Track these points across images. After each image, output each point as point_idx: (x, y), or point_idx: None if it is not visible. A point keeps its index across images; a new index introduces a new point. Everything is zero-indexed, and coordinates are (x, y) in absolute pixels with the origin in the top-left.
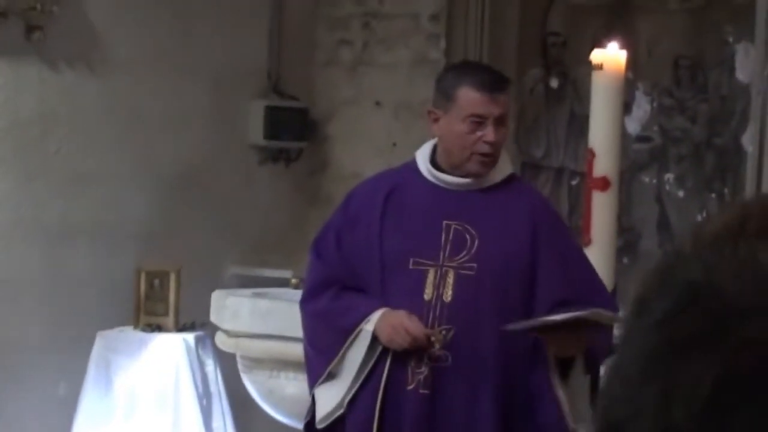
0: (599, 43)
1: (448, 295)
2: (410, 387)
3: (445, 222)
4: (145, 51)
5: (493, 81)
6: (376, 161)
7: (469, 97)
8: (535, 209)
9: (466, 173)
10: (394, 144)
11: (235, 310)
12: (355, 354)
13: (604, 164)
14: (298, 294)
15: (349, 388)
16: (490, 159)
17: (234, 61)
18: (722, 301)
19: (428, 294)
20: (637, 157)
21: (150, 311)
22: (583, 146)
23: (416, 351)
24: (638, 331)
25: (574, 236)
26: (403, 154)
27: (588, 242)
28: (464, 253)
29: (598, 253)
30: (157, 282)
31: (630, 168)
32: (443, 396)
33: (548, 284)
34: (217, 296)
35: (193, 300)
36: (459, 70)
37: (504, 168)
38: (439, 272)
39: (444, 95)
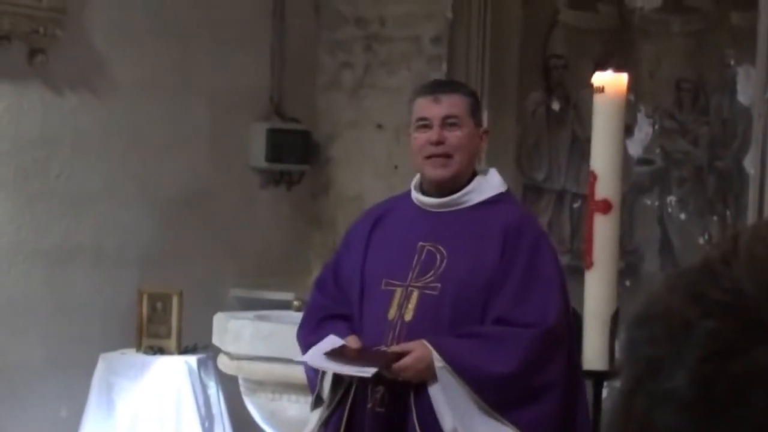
0: (600, 66)
1: (409, 314)
2: (369, 405)
3: (420, 243)
4: (147, 74)
5: (436, 84)
6: (377, 184)
7: (417, 104)
8: (509, 228)
9: (430, 183)
10: (396, 167)
11: (237, 332)
12: (326, 384)
13: (606, 187)
14: (299, 317)
15: (321, 414)
16: (442, 161)
17: (236, 83)
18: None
19: (392, 314)
20: (639, 180)
21: (152, 334)
22: (584, 169)
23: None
24: (684, 359)
25: (547, 258)
26: (405, 177)
27: (590, 265)
28: (431, 273)
29: (600, 276)
30: (159, 304)
31: (632, 190)
32: (398, 415)
33: (495, 302)
34: (219, 319)
35: (195, 322)
36: (418, 86)
37: (487, 188)
38: (404, 292)
39: (410, 113)
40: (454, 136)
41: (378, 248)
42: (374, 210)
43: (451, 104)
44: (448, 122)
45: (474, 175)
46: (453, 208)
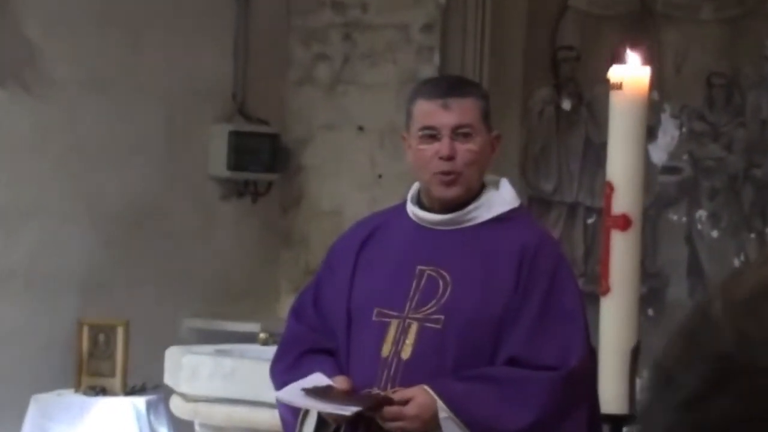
0: (618, 58)
1: (407, 351)
2: None
3: (419, 267)
4: (87, 68)
5: (445, 86)
6: (358, 196)
7: (421, 109)
8: (525, 251)
9: (434, 200)
10: (380, 176)
11: (193, 369)
12: (307, 429)
13: (625, 200)
14: (266, 351)
15: None
16: (452, 178)
17: (193, 79)
18: (759, 381)
19: (386, 350)
20: (664, 192)
21: (94, 371)
22: (600, 179)
23: (365, 418)
24: (663, 408)
25: (568, 287)
26: (390, 188)
27: (606, 290)
28: (433, 303)
29: (618, 304)
30: (102, 337)
31: (655, 204)
32: None
33: (509, 338)
34: (172, 354)
35: (144, 358)
36: (419, 83)
37: (498, 203)
38: (401, 325)
39: (407, 114)
40: (466, 150)
41: (368, 271)
42: (364, 224)
43: (462, 112)
44: (459, 132)
45: (483, 186)
46: (457, 226)
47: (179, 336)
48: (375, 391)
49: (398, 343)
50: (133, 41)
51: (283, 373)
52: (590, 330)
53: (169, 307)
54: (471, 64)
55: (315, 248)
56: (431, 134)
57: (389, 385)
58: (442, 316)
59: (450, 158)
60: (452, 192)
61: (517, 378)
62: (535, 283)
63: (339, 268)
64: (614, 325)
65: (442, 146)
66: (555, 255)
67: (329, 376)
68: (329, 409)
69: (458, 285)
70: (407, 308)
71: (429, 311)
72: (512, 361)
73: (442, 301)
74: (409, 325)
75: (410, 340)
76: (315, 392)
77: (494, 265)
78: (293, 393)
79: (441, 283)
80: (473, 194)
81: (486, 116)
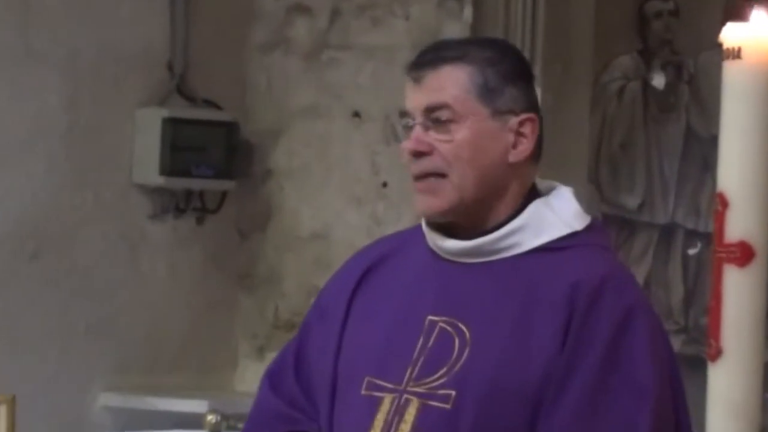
0: (735, 14)
1: None
2: None
3: (429, 317)
4: None
5: (424, 50)
6: (353, 213)
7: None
8: (578, 295)
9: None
10: (384, 184)
11: None
12: None
13: (745, 220)
14: None
15: None
16: (427, 185)
17: (111, 43)
18: None
19: None
20: None
21: None
22: (707, 189)
23: None
24: None
25: (640, 349)
26: (397, 201)
27: (716, 353)
28: (443, 371)
29: (734, 371)
30: None
31: None
32: None
33: (548, 421)
34: None
35: None
36: None
37: (550, 224)
38: (397, 402)
39: None
40: (443, 141)
41: (364, 321)
42: (367, 252)
43: (437, 85)
44: (433, 118)
45: (530, 197)
46: (487, 258)
47: (90, 418)
48: None
49: (390, 427)
50: None
51: None
52: (688, 408)
53: (75, 376)
54: (518, 22)
55: (290, 290)
56: (409, 124)
57: None
58: (453, 392)
59: (419, 154)
60: (432, 203)
61: None
62: (591, 342)
63: (329, 314)
64: (728, 401)
65: (408, 139)
66: (626, 302)
67: None
68: None
69: (480, 345)
70: (407, 378)
71: (436, 383)
72: None
73: (456, 368)
74: (407, 403)
75: (407, 424)
76: None
77: (532, 316)
78: None
79: (457, 341)
80: (492, 209)
81: (484, 89)
